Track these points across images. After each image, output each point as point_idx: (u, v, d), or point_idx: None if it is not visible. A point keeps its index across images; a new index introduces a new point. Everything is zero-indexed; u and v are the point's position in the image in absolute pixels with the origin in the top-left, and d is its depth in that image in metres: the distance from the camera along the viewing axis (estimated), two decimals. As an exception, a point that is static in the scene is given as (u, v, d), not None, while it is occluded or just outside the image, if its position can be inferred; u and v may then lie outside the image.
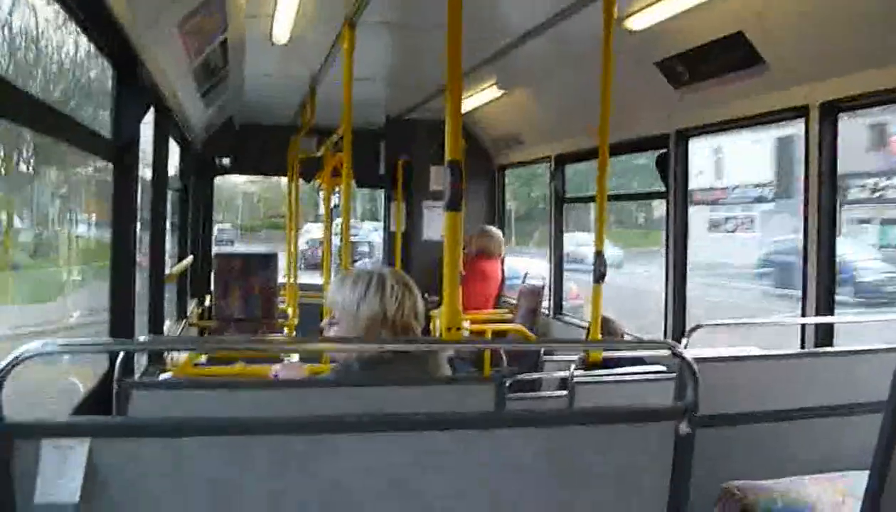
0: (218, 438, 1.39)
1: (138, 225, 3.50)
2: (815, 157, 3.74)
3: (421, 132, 7.66)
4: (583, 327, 5.43)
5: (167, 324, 5.51)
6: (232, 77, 5.47)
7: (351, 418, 1.45)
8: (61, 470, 1.31)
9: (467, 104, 6.74)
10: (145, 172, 4.49)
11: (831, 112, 3.70)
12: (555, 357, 4.31)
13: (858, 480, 2.15)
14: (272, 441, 1.42)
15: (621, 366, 3.57)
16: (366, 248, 18.35)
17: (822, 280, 3.74)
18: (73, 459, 1.30)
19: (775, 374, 2.84)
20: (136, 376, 3.89)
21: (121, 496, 1.35)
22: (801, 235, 3.78)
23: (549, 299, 7.02)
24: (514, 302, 7.40)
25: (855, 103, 3.64)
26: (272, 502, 1.44)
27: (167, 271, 5.07)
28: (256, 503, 1.42)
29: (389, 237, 8.40)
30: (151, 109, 4.12)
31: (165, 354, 4.29)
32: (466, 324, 6.31)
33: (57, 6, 2.47)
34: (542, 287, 7.08)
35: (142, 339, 2.41)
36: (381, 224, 7.82)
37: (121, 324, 3.28)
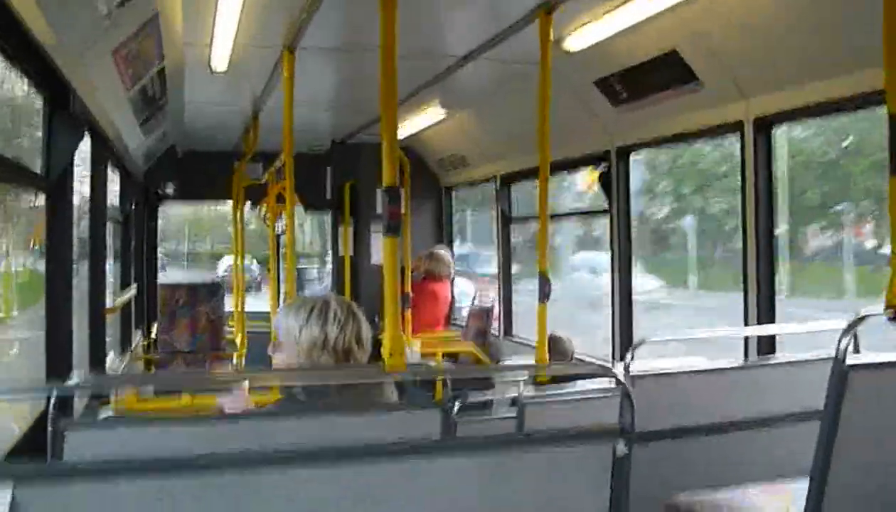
0: (148, 479, 1.35)
1: (74, 258, 3.41)
2: (752, 171, 3.82)
3: (366, 155, 7.63)
4: (532, 346, 5.45)
5: (110, 357, 5.39)
6: (172, 105, 5.40)
7: (288, 452, 1.42)
8: None
9: (412, 126, 6.76)
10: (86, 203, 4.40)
11: (766, 127, 3.79)
12: (505, 376, 4.30)
13: (801, 489, 2.18)
14: (204, 480, 1.38)
15: (576, 379, 3.59)
16: (314, 274, 18.20)
17: (763, 291, 3.81)
18: None
19: (717, 386, 2.87)
20: (80, 411, 3.79)
21: None
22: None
23: (499, 320, 7.03)
24: (464, 324, 7.42)
25: (788, 117, 3.73)
26: None
27: (110, 303, 4.97)
28: None
29: (337, 262, 8.35)
30: (88, 139, 4.04)
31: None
32: (417, 345, 6.35)
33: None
34: (492, 308, 7.10)
35: (74, 381, 2.33)
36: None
37: (57, 361, 3.19)
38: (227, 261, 24.77)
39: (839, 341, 2.03)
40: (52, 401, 2.03)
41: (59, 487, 1.32)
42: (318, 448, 1.45)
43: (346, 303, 2.55)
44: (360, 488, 1.46)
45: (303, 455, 1.43)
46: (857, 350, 2.54)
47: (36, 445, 2.80)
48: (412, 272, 6.96)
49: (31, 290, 4.11)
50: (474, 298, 7.60)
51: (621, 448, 1.52)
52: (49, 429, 1.99)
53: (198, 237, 42.44)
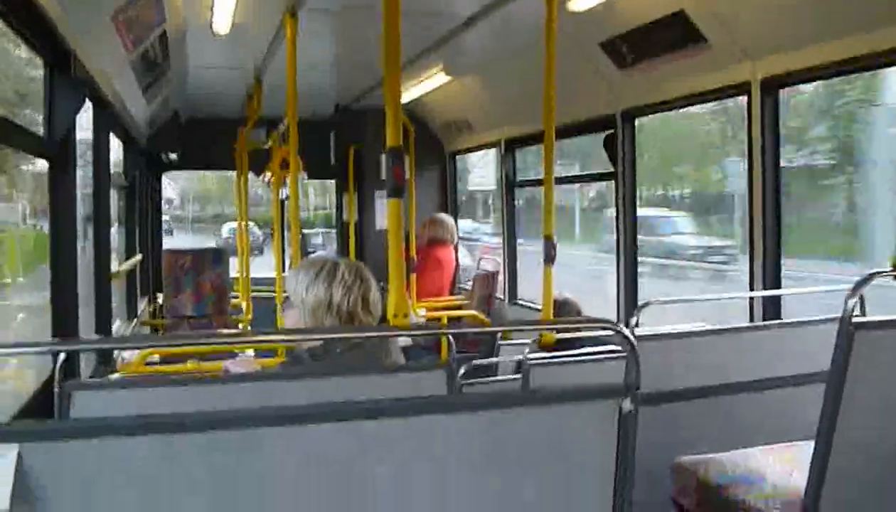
0: (153, 437, 1.36)
1: (78, 222, 3.41)
2: (758, 132, 3.78)
3: (371, 121, 7.60)
4: (538, 311, 5.46)
5: (117, 324, 5.41)
6: (174, 69, 5.36)
7: (293, 410, 1.43)
8: None
9: (415, 91, 6.71)
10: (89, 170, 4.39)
11: (773, 88, 3.75)
12: (511, 341, 4.32)
13: (806, 450, 2.19)
14: (210, 438, 1.39)
15: (581, 345, 3.59)
16: (319, 240, 18.23)
17: (769, 253, 3.79)
18: (2, 464, 1.26)
19: (723, 347, 2.87)
20: (85, 377, 3.81)
21: (53, 500, 1.31)
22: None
23: (504, 284, 7.04)
24: (470, 288, 7.42)
25: (795, 78, 3.69)
26: (214, 499, 1.41)
27: (114, 269, 4.98)
28: (196, 501, 1.39)
29: (342, 228, 8.34)
30: (90, 105, 4.02)
31: (116, 354, 4.21)
32: (422, 312, 6.37)
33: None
34: (497, 272, 7.09)
35: (83, 338, 2.35)
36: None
37: (63, 324, 3.20)
38: (231, 225, 24.93)
39: (846, 302, 2.03)
40: (60, 361, 2.04)
41: (65, 446, 1.33)
42: (322, 406, 1.45)
43: (355, 266, 2.55)
44: (365, 446, 1.47)
45: (308, 413, 1.44)
46: (863, 312, 2.54)
47: (43, 407, 2.83)
48: (417, 238, 6.96)
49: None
50: (479, 263, 7.60)
51: (627, 405, 1.52)
52: (56, 390, 2.01)
53: (204, 200, 42.85)
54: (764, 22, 3.58)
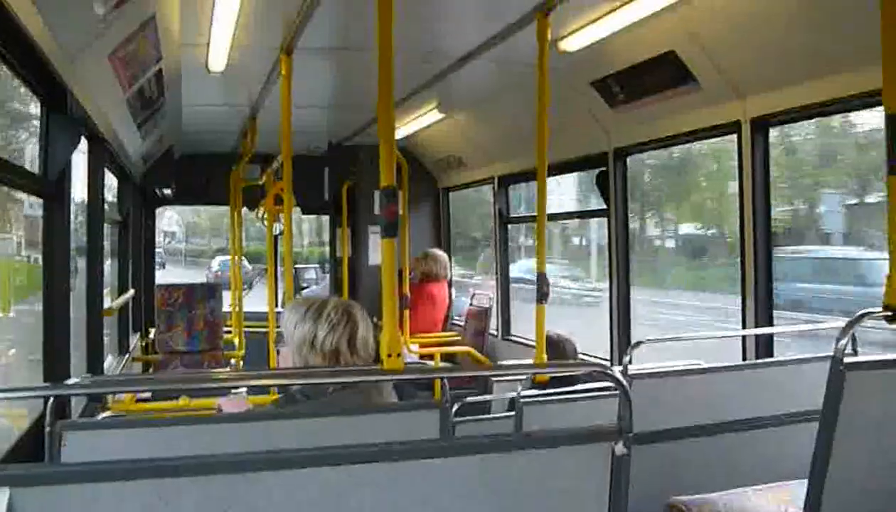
0: (145, 482, 1.35)
1: (71, 261, 3.41)
2: (749, 171, 3.82)
3: (364, 157, 7.64)
4: (531, 347, 5.46)
5: (108, 360, 5.38)
6: (169, 106, 5.39)
7: (284, 454, 1.42)
8: None
9: (409, 128, 6.76)
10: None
11: (762, 127, 3.79)
12: (504, 377, 4.31)
13: (800, 489, 2.18)
14: (202, 482, 1.38)
15: (575, 382, 3.59)
16: (312, 275, 18.20)
17: (760, 291, 3.81)
18: None
19: (715, 386, 2.87)
20: (77, 414, 3.79)
21: None
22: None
23: (497, 320, 7.03)
24: (462, 324, 7.41)
25: (785, 117, 3.74)
26: None
27: (107, 305, 4.96)
28: None
29: (335, 263, 8.34)
30: (84, 142, 4.03)
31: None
32: (415, 347, 6.35)
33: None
34: (490, 308, 7.10)
35: (71, 382, 2.33)
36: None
37: (55, 364, 3.19)
38: (219, 259, 24.99)
39: (837, 341, 2.03)
40: (51, 403, 2.03)
41: (56, 490, 1.32)
42: (316, 450, 1.45)
43: (344, 305, 2.55)
44: (359, 489, 1.46)
45: (301, 457, 1.43)
46: (854, 351, 2.55)
47: (34, 448, 2.80)
48: (409, 274, 6.96)
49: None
50: (472, 299, 7.60)
51: (620, 448, 1.52)
52: (47, 430, 1.99)
53: (196, 235, 42.82)
54: (753, 62, 3.63)
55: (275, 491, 1.41)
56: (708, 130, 4.15)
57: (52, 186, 3.17)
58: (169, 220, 46.02)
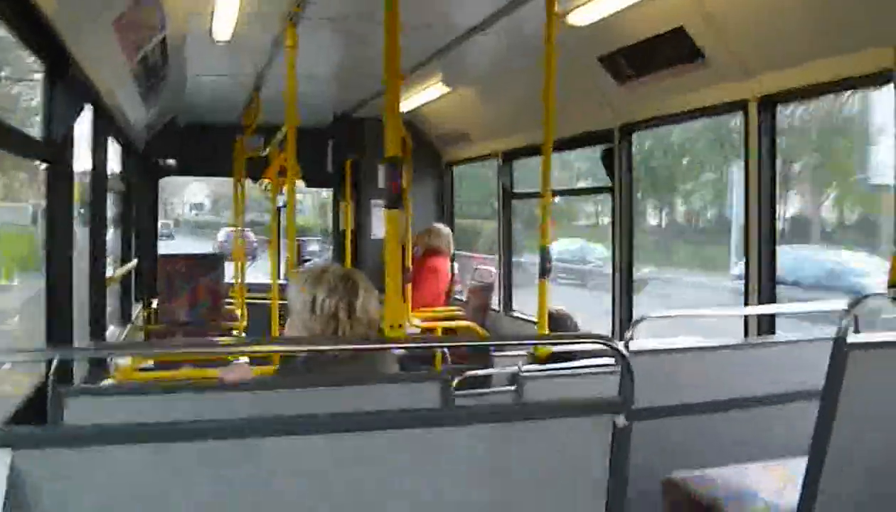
0: (147, 446, 1.35)
1: (74, 227, 3.40)
2: (755, 150, 3.80)
3: (368, 130, 7.62)
4: (533, 322, 5.46)
5: (111, 329, 5.40)
6: (173, 75, 5.37)
7: (286, 421, 1.43)
8: None
9: (413, 101, 6.73)
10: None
11: (770, 105, 3.77)
12: (505, 353, 4.32)
13: (799, 466, 2.19)
14: (204, 447, 1.38)
15: (575, 358, 3.59)
16: (315, 248, 18.22)
17: (764, 270, 3.80)
18: None
19: (716, 364, 2.88)
20: (78, 383, 3.80)
21: (47, 507, 1.30)
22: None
23: (500, 295, 7.04)
24: (465, 300, 7.41)
25: (793, 96, 3.71)
26: (208, 508, 1.41)
27: (109, 274, 4.97)
28: (190, 510, 1.39)
29: (339, 236, 8.34)
30: (89, 110, 4.02)
31: (108, 359, 4.20)
32: (417, 321, 6.36)
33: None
34: (492, 283, 7.10)
35: (77, 345, 2.34)
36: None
37: (58, 329, 3.19)
38: (225, 230, 25.06)
39: (840, 321, 2.03)
40: (53, 367, 2.03)
41: (58, 453, 1.32)
42: (317, 416, 1.45)
43: (346, 272, 2.55)
44: (359, 457, 1.47)
45: (302, 423, 1.44)
46: (857, 330, 2.55)
47: (36, 413, 2.81)
48: (413, 248, 6.96)
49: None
50: (474, 274, 7.60)
51: (621, 420, 1.52)
52: (49, 395, 2.00)
53: (206, 205, 42.69)
54: (762, 40, 3.60)
55: (275, 457, 1.42)
56: (715, 108, 4.12)
57: (54, 151, 3.16)
58: (198, 191, 45.91)
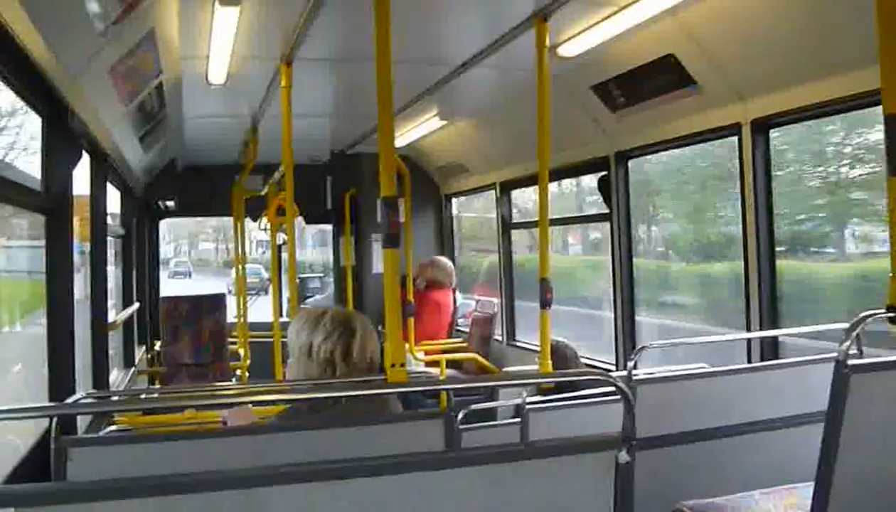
0: (154, 500, 1.35)
1: (75, 277, 3.41)
2: (750, 173, 3.81)
3: (366, 165, 7.65)
4: (536, 352, 5.46)
5: (114, 373, 5.38)
6: (171, 119, 5.41)
7: (290, 469, 1.42)
8: None
9: (410, 135, 6.77)
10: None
11: (763, 128, 3.79)
12: (508, 383, 4.31)
13: (807, 492, 2.17)
14: (209, 498, 1.38)
15: (579, 387, 3.59)
16: (317, 284, 18.22)
17: (764, 294, 3.80)
18: None
19: (721, 390, 2.86)
20: (83, 427, 3.79)
21: None
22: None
23: (502, 326, 7.03)
24: (467, 331, 7.40)
25: (785, 119, 3.73)
26: None
27: (112, 319, 4.97)
28: None
29: (339, 272, 8.35)
30: (86, 157, 4.04)
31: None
32: (420, 355, 6.35)
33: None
34: (494, 314, 7.09)
35: (75, 398, 2.34)
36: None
37: (60, 379, 3.19)
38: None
39: (841, 343, 2.03)
40: (55, 421, 2.03)
41: (62, 510, 1.32)
42: (321, 463, 1.45)
43: (344, 314, 2.55)
44: (365, 502, 1.46)
45: (307, 471, 1.43)
46: (860, 351, 2.54)
47: (39, 464, 2.80)
48: (414, 281, 6.97)
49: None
50: (476, 306, 7.60)
51: (623, 457, 1.52)
52: (52, 448, 2.00)
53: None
54: (753, 64, 3.63)
55: (279, 506, 1.41)
56: (709, 132, 4.14)
57: (53, 202, 3.18)
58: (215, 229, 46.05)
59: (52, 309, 3.20)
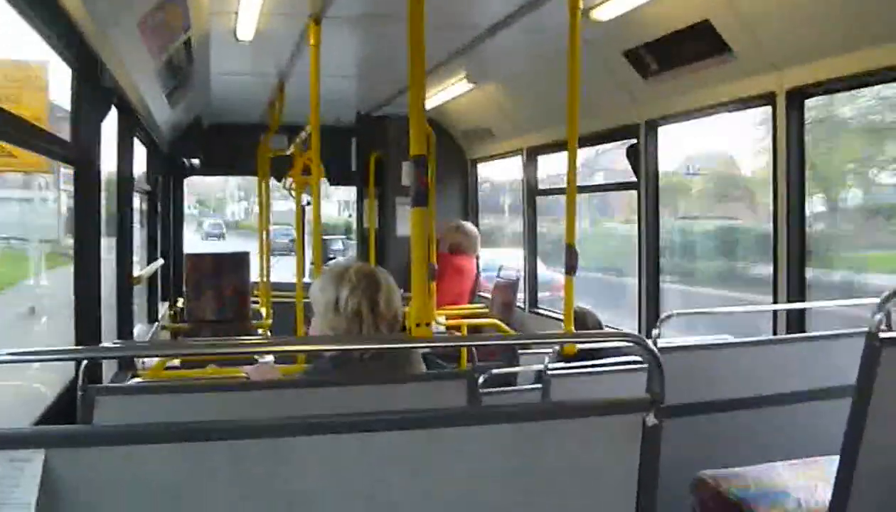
0: (178, 445, 1.36)
1: (102, 228, 3.44)
2: (783, 143, 3.75)
3: (392, 128, 7.61)
4: (558, 320, 5.44)
5: (138, 327, 5.44)
6: (197, 75, 5.40)
7: (315, 420, 1.43)
8: (16, 482, 1.27)
9: (438, 98, 6.72)
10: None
11: (798, 98, 3.72)
12: (531, 350, 4.30)
13: (831, 465, 2.16)
14: (234, 446, 1.39)
15: (600, 356, 3.57)
16: (339, 246, 18.30)
17: (793, 266, 3.76)
18: (28, 470, 1.26)
19: (746, 360, 2.84)
20: (106, 381, 3.84)
21: (78, 506, 1.31)
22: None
23: (525, 292, 7.01)
24: (489, 297, 7.40)
25: (821, 89, 3.66)
26: (238, 507, 1.41)
27: (136, 274, 5.01)
28: (220, 509, 1.39)
29: (363, 234, 8.35)
30: (114, 111, 4.05)
31: (136, 358, 4.23)
32: (442, 319, 6.36)
33: (8, 6, 2.40)
34: (517, 280, 7.07)
35: (105, 345, 2.36)
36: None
37: (86, 329, 3.22)
38: (271, 227, 25.26)
39: (872, 316, 2.00)
40: (83, 366, 2.05)
41: (90, 452, 1.33)
42: (345, 415, 1.45)
43: (368, 269, 2.55)
44: (387, 455, 1.46)
45: (331, 423, 1.44)
46: (889, 326, 2.50)
47: (66, 412, 2.84)
48: (438, 243, 6.95)
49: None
50: (499, 271, 7.58)
51: (651, 419, 1.51)
52: (79, 394, 2.02)
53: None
54: (790, 32, 3.55)
55: (304, 457, 1.42)
56: (742, 102, 4.07)
57: (81, 154, 3.19)
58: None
59: (79, 260, 3.23)
